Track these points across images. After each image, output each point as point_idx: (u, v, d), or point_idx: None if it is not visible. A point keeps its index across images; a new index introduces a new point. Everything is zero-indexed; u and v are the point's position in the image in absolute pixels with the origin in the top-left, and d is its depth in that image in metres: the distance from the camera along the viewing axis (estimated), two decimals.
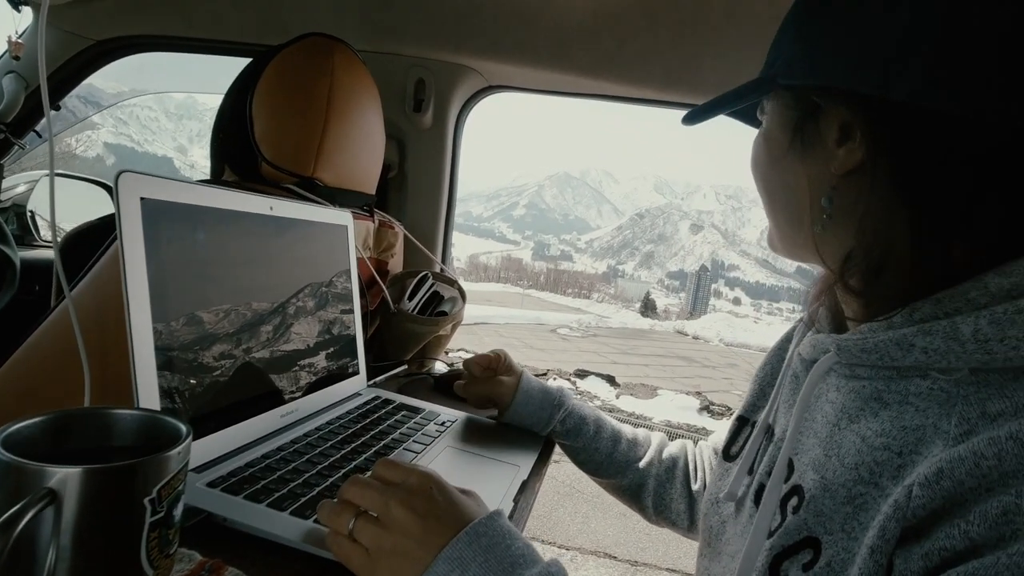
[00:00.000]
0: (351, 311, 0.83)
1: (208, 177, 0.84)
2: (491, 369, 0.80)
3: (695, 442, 0.78)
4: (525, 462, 0.70)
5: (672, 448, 0.76)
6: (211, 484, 0.50)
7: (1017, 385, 0.32)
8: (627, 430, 0.77)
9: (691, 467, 0.74)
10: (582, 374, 8.64)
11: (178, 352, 0.51)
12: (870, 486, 0.36)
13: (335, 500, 0.45)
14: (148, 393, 0.48)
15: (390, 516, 0.41)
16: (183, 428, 0.36)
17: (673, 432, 6.72)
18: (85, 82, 1.44)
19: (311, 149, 0.80)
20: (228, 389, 0.57)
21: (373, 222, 0.99)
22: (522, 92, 1.19)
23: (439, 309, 1.09)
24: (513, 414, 0.76)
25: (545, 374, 8.50)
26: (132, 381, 0.47)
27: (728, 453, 0.59)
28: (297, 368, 0.69)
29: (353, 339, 0.83)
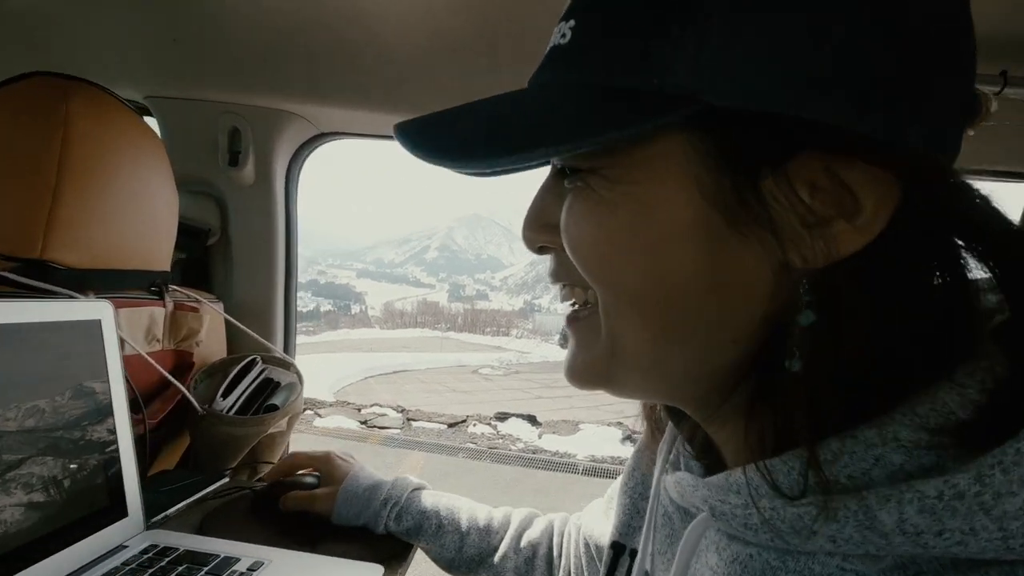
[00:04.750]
0: (110, 431, 0.62)
1: None
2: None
3: (563, 522, 0.67)
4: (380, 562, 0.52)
5: (532, 533, 0.67)
6: None
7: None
8: (481, 516, 0.69)
9: (554, 555, 0.64)
10: (503, 417, 8.45)
11: None
12: None
13: None
14: None
15: None
16: None
17: (598, 467, 6.67)
18: None
19: (36, 223, 0.60)
20: None
21: (164, 306, 0.78)
22: (360, 138, 1.04)
23: (269, 402, 0.89)
24: (337, 518, 0.69)
25: (464, 421, 8.24)
26: None
27: None
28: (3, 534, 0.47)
29: (116, 470, 0.62)
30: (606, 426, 8.50)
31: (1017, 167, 0.97)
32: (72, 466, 0.57)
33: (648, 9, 0.27)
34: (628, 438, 7.74)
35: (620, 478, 0.53)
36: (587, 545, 0.60)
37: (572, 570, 0.61)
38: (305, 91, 0.93)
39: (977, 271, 0.26)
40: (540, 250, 0.35)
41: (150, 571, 0.56)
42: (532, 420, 8.39)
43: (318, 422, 7.79)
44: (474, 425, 8.09)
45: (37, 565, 0.51)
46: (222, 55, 0.88)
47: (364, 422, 8.00)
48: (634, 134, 0.27)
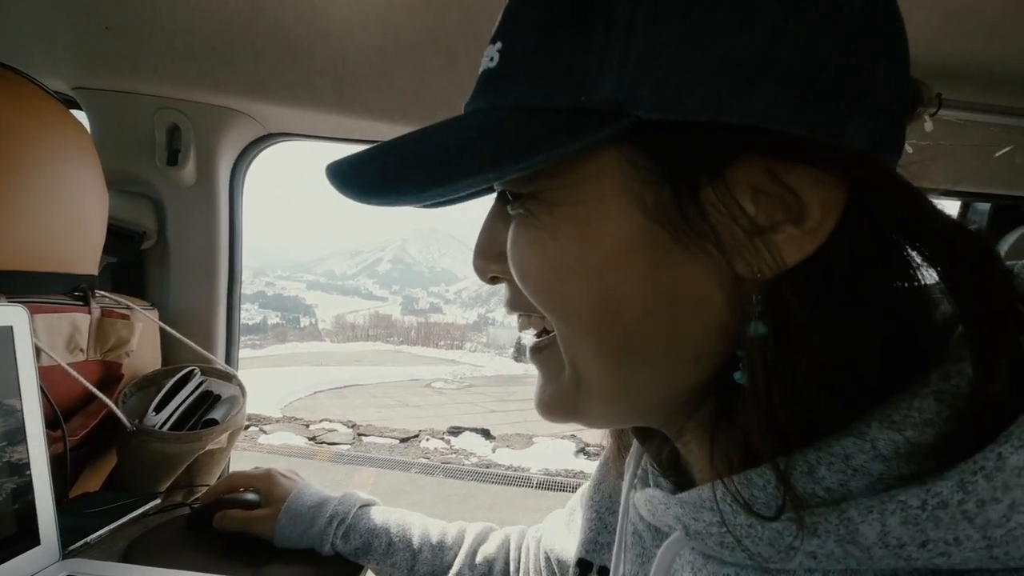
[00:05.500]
0: (23, 450, 0.56)
1: None
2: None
3: (520, 536, 0.65)
4: None
5: (488, 548, 0.64)
6: None
7: None
8: (434, 532, 0.66)
9: (511, 570, 0.62)
10: (456, 431, 8.34)
11: None
12: None
13: None
14: None
15: None
16: None
17: (551, 480, 6.66)
18: None
19: None
20: None
21: (89, 312, 0.72)
22: (308, 140, 1.00)
23: (208, 416, 0.83)
24: (280, 540, 0.64)
25: (417, 435, 8.08)
26: None
27: None
28: None
29: (27, 493, 0.56)
30: (560, 439, 8.51)
31: (953, 186, 1.02)
32: None
33: (572, 24, 0.26)
34: (582, 451, 7.78)
35: (583, 490, 0.51)
36: (547, 559, 0.58)
37: None
38: (252, 88, 0.88)
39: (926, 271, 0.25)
40: (492, 280, 0.33)
41: None
42: (486, 434, 8.31)
43: (263, 439, 7.47)
44: (427, 440, 7.95)
45: None
46: (160, 45, 0.83)
47: (312, 438, 7.73)
48: (564, 154, 0.25)
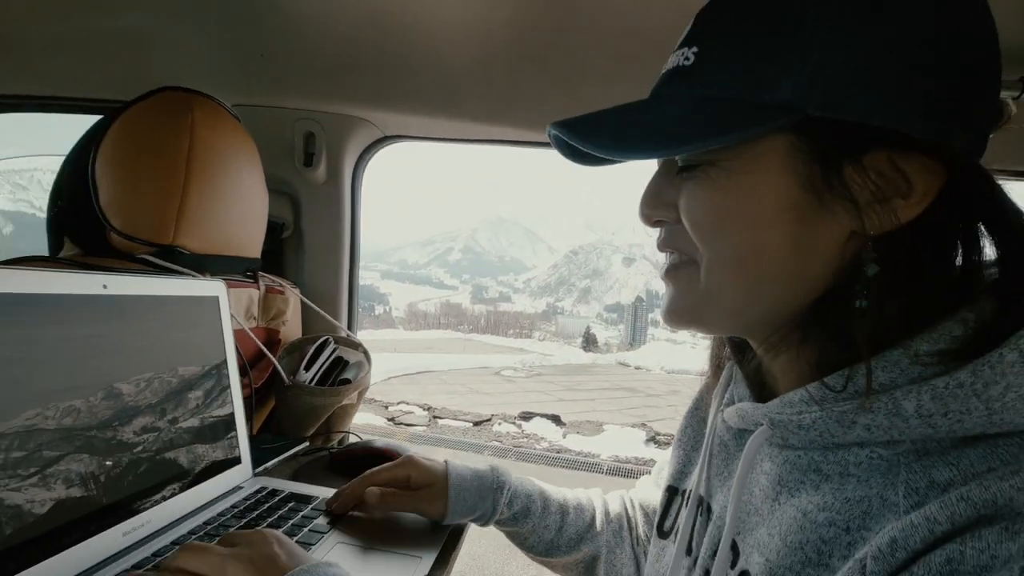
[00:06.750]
0: (227, 392, 0.73)
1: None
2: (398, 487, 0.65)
3: (628, 492, 0.73)
4: (428, 553, 0.61)
5: (614, 506, 0.70)
6: None
7: (959, 453, 0.31)
8: (570, 495, 0.69)
9: (633, 525, 0.69)
10: (527, 416, 8.52)
11: None
12: (820, 568, 0.34)
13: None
14: None
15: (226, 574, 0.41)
16: None
17: (621, 467, 6.69)
18: None
19: (169, 214, 0.72)
20: (51, 509, 0.47)
21: (259, 288, 0.90)
22: (419, 141, 1.15)
23: (342, 377, 1.00)
24: (453, 516, 0.64)
25: (489, 419, 8.32)
26: None
27: (662, 529, 0.54)
28: (151, 471, 0.58)
29: (232, 424, 0.73)
30: (630, 427, 8.51)
31: None
32: (203, 415, 0.68)
33: (761, 44, 0.35)
34: (652, 439, 7.74)
35: (673, 441, 0.61)
36: (644, 512, 0.68)
37: (640, 537, 0.67)
38: (373, 98, 1.03)
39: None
40: (655, 224, 0.43)
41: (265, 506, 0.67)
42: (556, 420, 8.44)
43: None
44: (499, 424, 8.17)
45: (181, 495, 0.62)
46: (302, 67, 1.00)
47: (391, 419, 8.14)
48: (751, 136, 0.35)
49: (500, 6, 0.82)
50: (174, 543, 0.56)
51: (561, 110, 1.00)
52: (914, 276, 0.34)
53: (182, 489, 0.62)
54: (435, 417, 8.39)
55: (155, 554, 0.54)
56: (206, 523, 0.61)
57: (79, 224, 0.70)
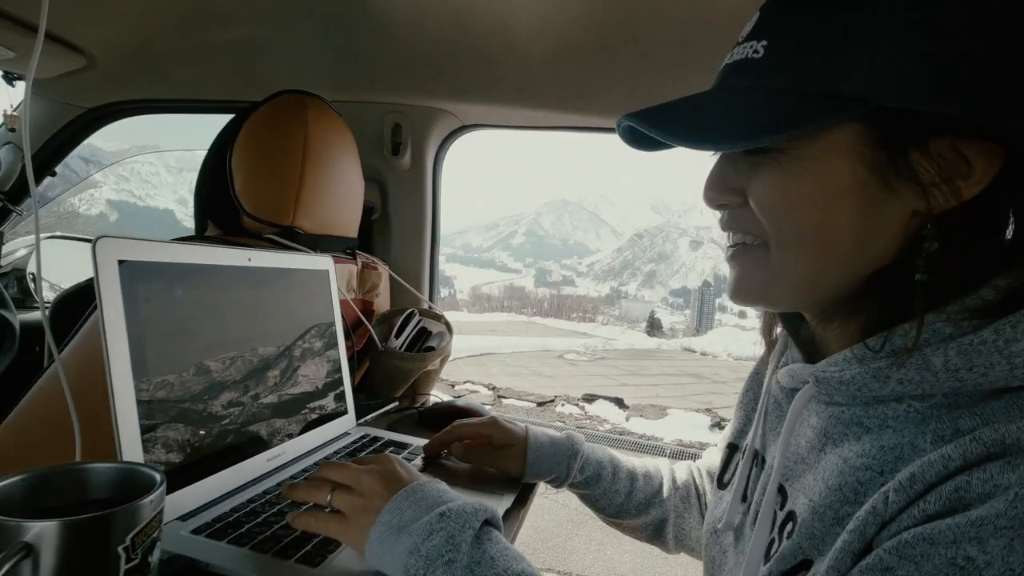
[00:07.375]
0: (337, 353, 0.85)
1: (192, 233, 0.87)
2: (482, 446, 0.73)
3: (695, 461, 0.77)
4: (509, 493, 0.71)
5: (682, 474, 0.74)
6: (195, 531, 0.51)
7: (984, 405, 0.35)
8: (638, 463, 0.74)
9: (701, 492, 0.73)
10: (590, 398, 8.58)
11: (160, 406, 0.54)
12: (855, 506, 0.37)
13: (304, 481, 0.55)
14: (131, 446, 0.50)
15: (362, 484, 0.50)
16: (157, 477, 0.38)
17: (685, 451, 6.65)
18: (87, 142, 1.50)
19: (289, 200, 0.84)
20: (214, 437, 0.59)
21: (356, 264, 1.02)
22: (495, 129, 1.23)
23: (427, 345, 1.11)
24: (530, 476, 0.70)
25: (552, 400, 8.45)
26: (115, 435, 0.49)
27: (721, 481, 0.59)
28: (283, 413, 0.71)
29: (341, 380, 0.85)
30: (694, 412, 8.40)
31: None
32: (321, 370, 0.80)
33: (831, 38, 0.37)
34: (717, 425, 7.61)
35: (735, 403, 0.66)
36: (711, 478, 0.72)
37: (707, 503, 0.70)
38: (454, 90, 1.13)
39: None
40: (719, 207, 0.46)
41: (370, 449, 0.79)
42: (619, 403, 8.46)
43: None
44: (562, 405, 8.28)
45: (306, 434, 0.74)
46: (390, 64, 1.10)
47: (457, 397, 8.41)
48: (824, 126, 0.37)
49: (572, 2, 0.89)
50: (304, 471, 0.69)
51: (627, 95, 1.07)
52: (969, 250, 0.37)
53: (307, 429, 0.75)
54: (500, 396, 8.60)
55: (291, 477, 0.66)
56: (325, 459, 0.73)
57: (220, 208, 0.84)
